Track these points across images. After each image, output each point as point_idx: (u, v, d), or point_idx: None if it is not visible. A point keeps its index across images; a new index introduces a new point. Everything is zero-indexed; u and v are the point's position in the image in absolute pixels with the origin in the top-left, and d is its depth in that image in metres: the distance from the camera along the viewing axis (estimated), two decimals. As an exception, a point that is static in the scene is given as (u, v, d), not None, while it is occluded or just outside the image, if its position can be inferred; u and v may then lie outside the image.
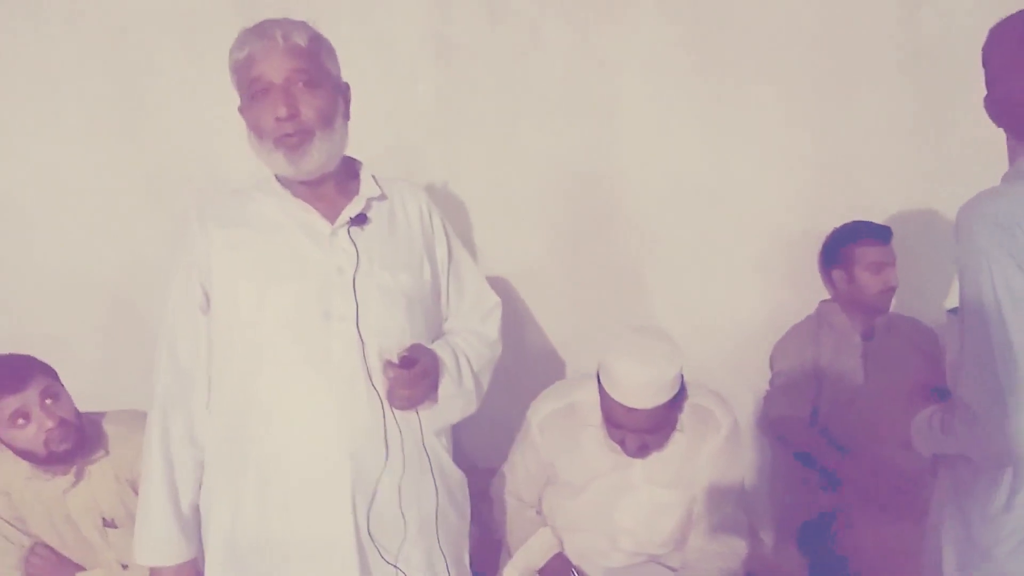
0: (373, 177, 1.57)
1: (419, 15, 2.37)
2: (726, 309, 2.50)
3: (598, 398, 1.79)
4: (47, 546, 1.94)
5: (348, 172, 1.56)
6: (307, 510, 1.44)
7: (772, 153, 2.44)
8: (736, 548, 1.86)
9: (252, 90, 1.41)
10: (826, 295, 2.45)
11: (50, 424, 1.77)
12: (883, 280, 2.30)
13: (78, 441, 1.82)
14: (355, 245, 1.47)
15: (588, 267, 2.47)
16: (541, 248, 2.49)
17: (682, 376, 1.77)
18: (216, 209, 1.52)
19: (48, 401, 1.78)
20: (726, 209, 2.46)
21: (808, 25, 2.39)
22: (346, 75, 1.54)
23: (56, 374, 1.85)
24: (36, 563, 1.92)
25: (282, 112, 1.39)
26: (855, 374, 2.33)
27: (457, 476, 1.64)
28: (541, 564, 1.99)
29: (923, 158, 2.44)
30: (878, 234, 2.31)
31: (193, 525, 1.52)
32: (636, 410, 1.70)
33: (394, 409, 1.46)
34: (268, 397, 1.44)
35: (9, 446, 1.80)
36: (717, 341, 2.49)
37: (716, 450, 1.85)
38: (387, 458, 1.45)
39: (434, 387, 1.51)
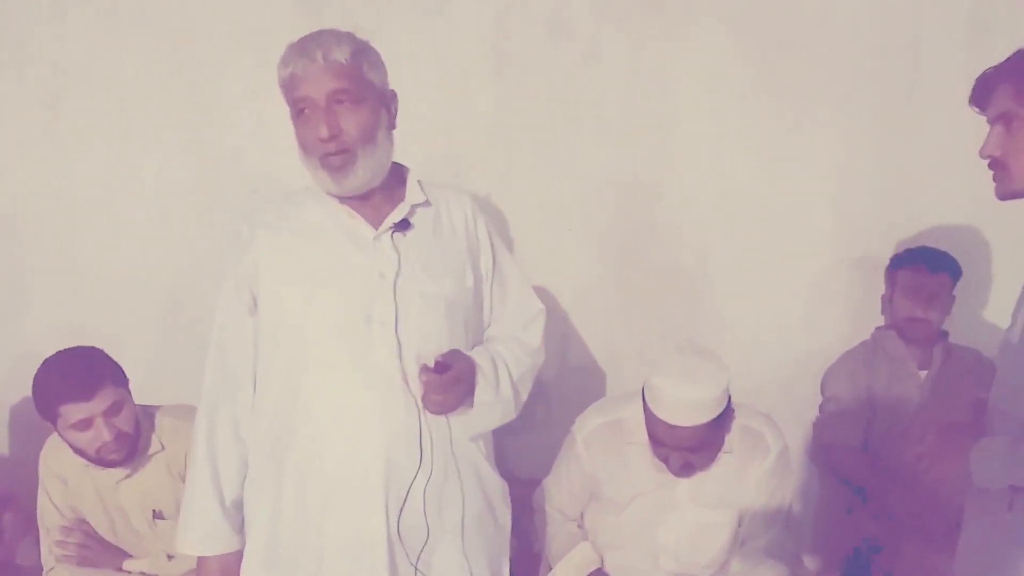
0: (419, 183, 1.59)
1: (478, 27, 2.40)
2: (777, 331, 2.47)
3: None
4: (92, 532, 1.97)
5: (396, 178, 1.57)
6: (342, 509, 1.46)
7: (829, 174, 2.41)
8: (780, 573, 1.83)
9: (296, 108, 1.44)
10: (881, 321, 2.40)
11: (107, 438, 1.79)
12: (910, 307, 2.26)
13: (131, 451, 1.85)
14: (397, 251, 1.49)
15: (637, 282, 2.46)
16: (591, 261, 2.49)
17: (729, 396, 1.75)
18: (266, 214, 1.56)
19: (111, 416, 1.79)
20: (780, 229, 2.44)
21: (869, 45, 2.36)
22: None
23: (123, 377, 1.87)
24: (86, 546, 1.95)
25: (324, 133, 1.41)
26: (910, 403, 2.28)
27: (497, 483, 1.64)
28: (581, 579, 1.98)
29: (986, 183, 2.38)
30: (920, 260, 2.27)
31: (237, 518, 1.56)
32: (679, 428, 1.69)
33: (428, 414, 1.48)
34: (310, 398, 1.47)
35: (65, 440, 1.83)
36: (767, 363, 2.46)
37: (764, 473, 1.83)
38: (421, 462, 1.47)
39: (469, 393, 1.51)
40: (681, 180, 2.43)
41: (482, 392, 1.52)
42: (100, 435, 1.79)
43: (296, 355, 1.47)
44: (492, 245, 1.65)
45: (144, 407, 1.94)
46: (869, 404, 2.31)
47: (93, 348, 1.87)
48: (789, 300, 2.46)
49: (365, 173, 1.45)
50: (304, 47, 1.42)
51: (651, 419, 1.75)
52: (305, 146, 1.46)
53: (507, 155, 2.44)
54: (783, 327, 2.47)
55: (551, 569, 1.99)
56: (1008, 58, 1.40)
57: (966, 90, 1.45)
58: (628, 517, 1.87)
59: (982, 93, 1.43)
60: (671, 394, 1.68)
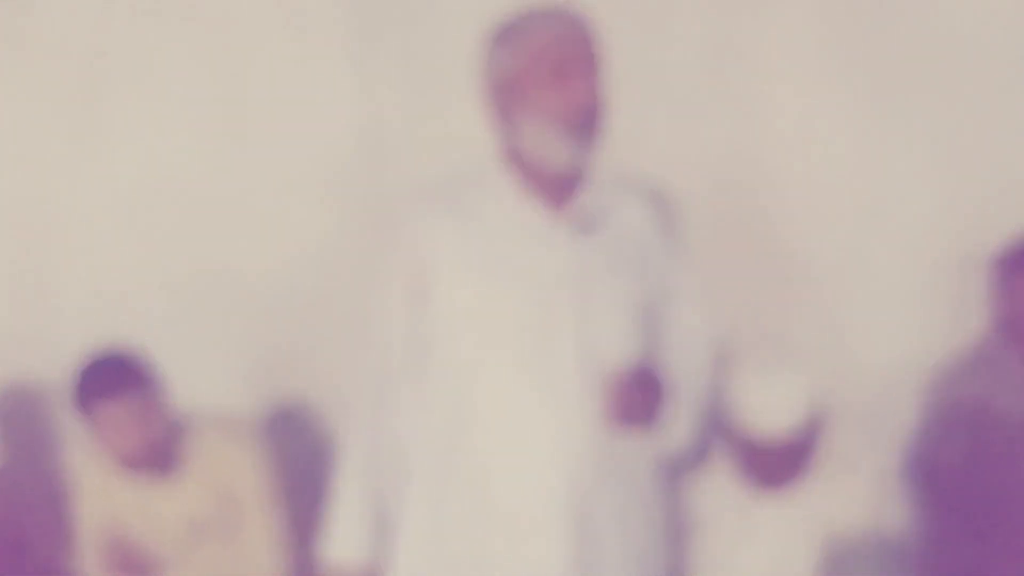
0: (606, 180, 1.52)
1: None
2: (876, 336, 2.35)
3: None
4: (128, 543, 1.96)
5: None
6: (516, 528, 1.41)
7: (935, 166, 2.29)
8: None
9: (553, 69, 1.40)
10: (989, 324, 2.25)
11: (138, 440, 1.80)
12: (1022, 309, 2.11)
13: (162, 458, 1.86)
14: (583, 251, 1.44)
15: (721, 281, 2.33)
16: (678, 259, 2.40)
17: (818, 405, 1.72)
18: (439, 200, 1.50)
19: (145, 417, 1.81)
20: (880, 225, 2.33)
21: (986, 24, 2.24)
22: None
23: (158, 382, 1.87)
24: (125, 554, 1.95)
25: (591, 98, 1.39)
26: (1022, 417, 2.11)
27: (664, 517, 1.57)
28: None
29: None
30: None
31: (384, 525, 1.51)
32: (768, 431, 1.66)
33: (622, 428, 1.41)
34: (483, 404, 1.42)
35: (97, 441, 1.85)
36: (865, 371, 2.34)
37: (859, 495, 1.77)
38: (603, 481, 1.41)
39: (657, 411, 1.44)
40: (767, 170, 2.33)
41: (668, 412, 1.46)
42: (127, 439, 1.79)
43: (470, 356, 1.42)
44: (672, 254, 1.59)
45: (182, 415, 1.94)
46: (976, 417, 2.15)
47: (129, 349, 1.87)
48: (888, 300, 2.35)
49: (595, 152, 1.43)
50: (562, 12, 1.44)
51: (733, 426, 1.72)
52: (553, 111, 1.39)
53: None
54: (881, 330, 2.36)
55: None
56: None
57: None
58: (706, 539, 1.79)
59: None
60: (757, 395, 1.68)
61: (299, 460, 2.09)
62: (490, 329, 1.41)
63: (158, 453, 1.84)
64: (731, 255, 2.35)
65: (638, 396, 1.38)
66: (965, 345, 2.26)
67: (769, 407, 1.65)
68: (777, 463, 1.69)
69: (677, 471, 1.75)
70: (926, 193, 2.31)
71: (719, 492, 1.78)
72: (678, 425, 1.49)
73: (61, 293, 2.44)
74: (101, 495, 1.94)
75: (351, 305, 1.60)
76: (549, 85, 1.39)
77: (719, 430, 1.75)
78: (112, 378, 1.79)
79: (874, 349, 2.35)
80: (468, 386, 1.43)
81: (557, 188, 1.45)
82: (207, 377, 2.28)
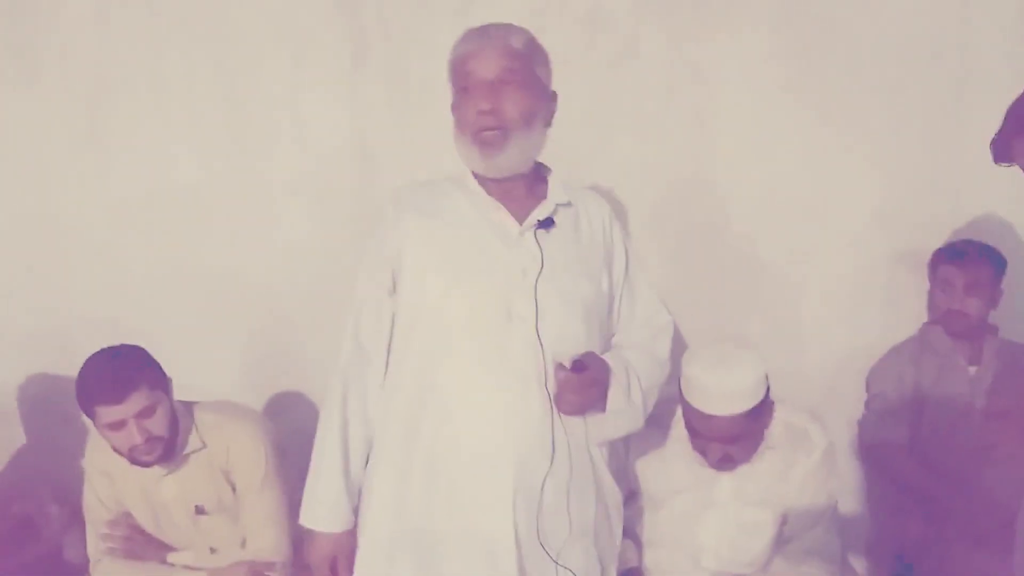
0: (562, 184, 1.60)
1: (514, 23, 2.38)
2: (821, 326, 2.43)
3: (684, 410, 1.77)
4: (136, 526, 2.00)
5: (538, 176, 1.59)
6: (470, 504, 1.46)
7: (874, 167, 2.36)
8: (825, 574, 1.80)
9: (460, 86, 1.48)
10: (927, 318, 2.35)
11: (138, 440, 1.79)
12: (949, 299, 2.22)
13: (165, 453, 1.85)
14: (541, 248, 1.50)
15: (678, 278, 2.43)
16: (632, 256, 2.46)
17: (767, 387, 1.74)
18: (413, 199, 1.57)
19: (143, 419, 1.79)
20: (824, 223, 2.40)
21: (915, 35, 2.31)
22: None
23: (161, 378, 1.87)
24: (130, 539, 1.99)
25: (484, 105, 1.44)
26: (960, 400, 2.22)
27: (615, 493, 1.63)
28: (617, 577, 1.96)
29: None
30: (959, 251, 2.23)
31: (356, 498, 1.57)
32: (715, 417, 1.69)
33: (562, 414, 1.48)
34: (445, 387, 1.47)
35: (104, 438, 1.85)
36: (810, 359, 2.42)
37: (809, 471, 1.81)
38: (552, 461, 1.46)
39: (603, 397, 1.50)
40: (722, 177, 2.40)
41: (615, 398, 1.51)
42: (131, 437, 1.79)
43: (433, 343, 1.49)
44: (626, 252, 1.66)
45: (184, 403, 1.96)
46: (916, 402, 2.26)
47: (133, 348, 1.87)
48: (834, 295, 2.42)
49: (514, 155, 1.47)
50: (483, 29, 1.49)
51: (687, 410, 1.75)
52: (462, 122, 1.48)
53: (547, 154, 2.39)
54: (828, 322, 2.43)
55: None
56: (1008, 112, 1.38)
57: (1015, 83, 1.43)
58: (667, 514, 1.86)
59: (1003, 154, 1.39)
60: (706, 382, 1.68)
61: (293, 451, 2.15)
62: (451, 320, 1.47)
63: (159, 449, 1.82)
64: (690, 256, 2.43)
65: (580, 385, 1.44)
66: (905, 335, 2.34)
67: (716, 393, 1.68)
68: (725, 445, 1.72)
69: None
70: (867, 196, 2.37)
71: (677, 469, 1.82)
72: (628, 411, 1.55)
73: (73, 292, 2.50)
74: (106, 481, 1.96)
75: (340, 302, 1.68)
76: (459, 99, 1.49)
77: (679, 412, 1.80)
78: (109, 385, 1.76)
79: (822, 339, 2.42)
80: (430, 371, 1.49)
81: (512, 191, 1.52)
82: (213, 371, 2.33)
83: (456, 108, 1.50)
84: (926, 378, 2.26)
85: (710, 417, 1.70)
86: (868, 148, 2.36)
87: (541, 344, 1.45)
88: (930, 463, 2.21)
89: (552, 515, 1.48)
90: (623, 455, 1.78)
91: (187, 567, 1.98)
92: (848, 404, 2.39)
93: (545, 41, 2.35)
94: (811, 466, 1.80)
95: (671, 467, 1.84)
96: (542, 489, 1.46)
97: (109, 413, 1.77)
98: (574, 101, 2.36)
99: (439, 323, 1.48)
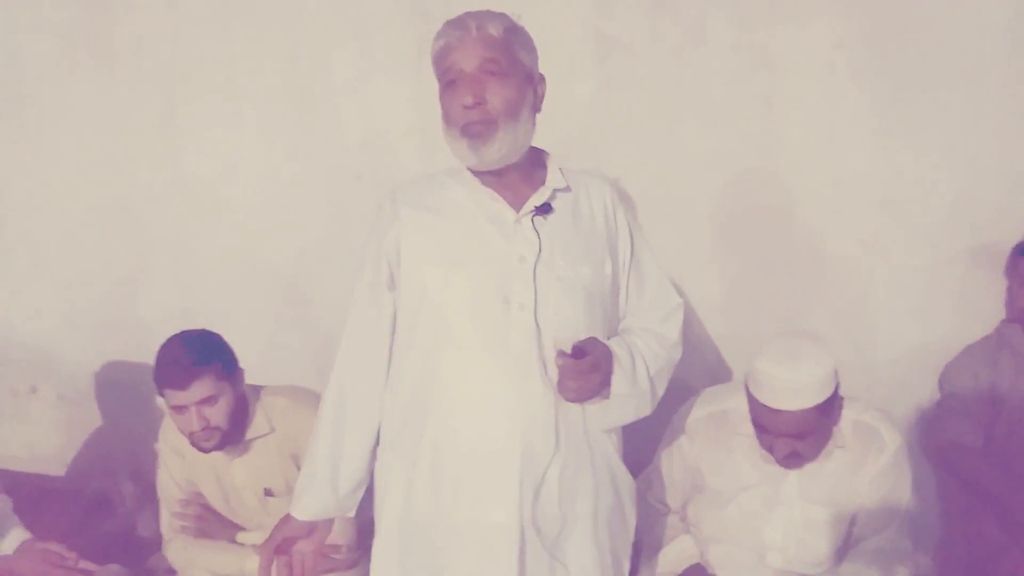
0: (560, 169, 1.58)
1: (579, 11, 2.37)
2: (892, 323, 2.38)
3: (749, 406, 1.75)
4: (208, 505, 2.06)
5: (535, 162, 1.57)
6: (475, 493, 1.47)
7: (950, 158, 2.30)
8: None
9: (445, 79, 1.47)
10: (1004, 315, 2.29)
11: (196, 427, 1.84)
12: None
13: (222, 442, 1.89)
14: (538, 234, 1.49)
15: (744, 271, 2.41)
16: (695, 250, 2.45)
17: (836, 384, 1.70)
18: (409, 193, 1.58)
19: (204, 408, 1.84)
20: (897, 216, 2.34)
21: (994, 21, 2.24)
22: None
23: (230, 368, 1.91)
24: (202, 518, 2.04)
25: (468, 100, 1.42)
26: (1036, 401, 2.14)
27: (627, 480, 1.62)
28: (678, 572, 1.95)
29: None
30: None
31: (346, 491, 1.59)
32: (783, 412, 1.66)
33: (564, 401, 1.47)
34: (447, 378, 1.48)
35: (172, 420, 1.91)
36: (880, 355, 2.37)
37: (880, 471, 1.77)
38: (556, 449, 1.46)
39: (606, 383, 1.49)
40: (792, 166, 2.36)
41: (619, 383, 1.50)
42: (191, 423, 1.84)
43: (434, 335, 1.49)
44: (631, 234, 1.63)
45: (253, 387, 2.00)
46: (992, 403, 2.19)
47: (208, 335, 1.92)
48: (905, 290, 2.37)
49: (503, 147, 1.45)
50: (460, 20, 1.46)
51: (754, 405, 1.72)
52: (448, 116, 1.47)
53: (609, 142, 2.41)
54: (899, 319, 2.38)
55: (650, 560, 1.97)
56: None
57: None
58: (732, 511, 1.83)
59: None
60: (773, 376, 1.66)
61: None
62: (451, 311, 1.47)
63: (215, 438, 1.86)
64: (756, 248, 2.40)
65: (580, 371, 1.43)
66: (980, 332, 2.27)
67: (784, 388, 1.65)
68: (792, 441, 1.68)
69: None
70: (942, 188, 2.31)
71: (743, 466, 1.81)
72: (634, 396, 1.53)
73: (147, 280, 2.58)
74: (179, 462, 2.01)
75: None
76: (443, 92, 1.48)
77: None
78: (176, 370, 1.81)
79: (892, 335, 2.37)
80: (433, 363, 1.49)
81: (507, 179, 1.51)
82: (284, 358, 2.38)
83: (442, 102, 1.49)
84: (1003, 378, 2.19)
85: (777, 412, 1.67)
86: (943, 138, 2.30)
87: (539, 330, 1.45)
88: (1005, 467, 2.14)
89: (555, 504, 1.48)
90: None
91: (255, 546, 2.00)
92: (919, 404, 2.35)
93: (609, 29, 2.37)
94: (882, 466, 1.77)
95: (737, 463, 1.82)
96: (543, 477, 1.46)
97: (173, 397, 1.83)
98: (639, 90, 2.37)
99: (440, 315, 1.48)
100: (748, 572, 1.85)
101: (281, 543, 1.61)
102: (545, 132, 2.35)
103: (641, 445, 2.04)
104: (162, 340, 1.90)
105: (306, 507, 1.59)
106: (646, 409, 1.58)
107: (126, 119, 2.54)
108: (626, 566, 1.64)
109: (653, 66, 2.35)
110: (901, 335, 2.39)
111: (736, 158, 2.37)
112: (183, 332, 1.92)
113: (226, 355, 1.91)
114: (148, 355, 1.90)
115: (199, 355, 1.85)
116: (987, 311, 2.31)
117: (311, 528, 1.61)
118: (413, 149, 2.43)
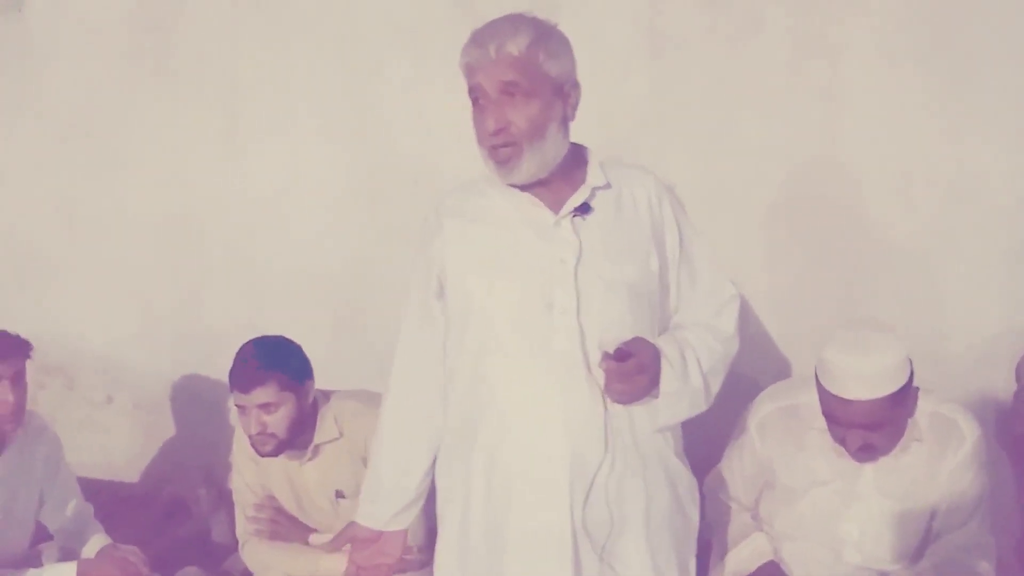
0: (601, 165, 1.56)
1: (631, 8, 2.37)
2: (965, 313, 2.32)
3: (822, 399, 1.72)
4: (281, 509, 2.10)
5: (576, 161, 1.55)
6: (527, 498, 1.47)
7: (1018, 150, 2.23)
8: (980, 571, 1.71)
9: (471, 96, 1.47)
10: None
11: (253, 431, 1.91)
12: None
13: (277, 450, 1.94)
14: (578, 236, 1.48)
15: (808, 262, 2.37)
16: (757, 242, 2.42)
17: (910, 373, 1.66)
18: (451, 203, 1.59)
19: (264, 413, 1.89)
20: (966, 204, 2.28)
21: None
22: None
23: (300, 378, 1.94)
24: (276, 521, 2.08)
25: (491, 126, 1.42)
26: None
27: (686, 478, 1.60)
28: (751, 570, 1.92)
29: None
30: None
31: (410, 500, 1.61)
32: (853, 402, 1.63)
33: (613, 403, 1.46)
34: (495, 385, 1.48)
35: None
36: (953, 347, 2.31)
37: (959, 464, 1.72)
38: (605, 451, 1.45)
39: (655, 383, 1.47)
40: (854, 155, 2.32)
41: (668, 382, 1.47)
42: (249, 426, 1.91)
43: (482, 342, 1.50)
44: (679, 226, 1.59)
45: (323, 392, 2.03)
46: None
47: (282, 344, 1.97)
48: (978, 280, 2.30)
49: (531, 167, 1.45)
50: (480, 37, 1.44)
51: (825, 397, 1.69)
52: (477, 135, 1.48)
53: (666, 138, 2.39)
54: (971, 309, 2.31)
55: (722, 559, 1.95)
56: None
57: None
58: (806, 507, 1.80)
59: None
60: (843, 365, 1.63)
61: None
62: (496, 318, 1.47)
63: (271, 444, 1.91)
64: (821, 240, 2.36)
65: (624, 373, 1.41)
66: None
67: (854, 377, 1.62)
68: (865, 432, 1.65)
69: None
70: (1011, 173, 2.25)
71: (816, 461, 1.77)
72: (686, 394, 1.50)
73: (214, 293, 2.64)
74: (253, 467, 2.06)
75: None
76: (473, 109, 1.47)
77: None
78: (242, 373, 1.87)
79: (966, 325, 2.31)
80: (481, 370, 1.48)
81: (546, 181, 1.49)
82: (346, 366, 2.35)
83: (472, 117, 1.49)
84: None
85: (848, 402, 1.63)
86: (1011, 122, 2.23)
87: (583, 333, 1.44)
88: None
89: (603, 507, 1.46)
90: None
91: (326, 546, 2.00)
92: (995, 395, 2.28)
93: (662, 23, 2.35)
94: (961, 459, 1.72)
95: (810, 459, 1.79)
96: (593, 480, 1.45)
97: (237, 397, 1.91)
98: (694, 84, 2.35)
99: (485, 323, 1.48)
100: (824, 569, 1.81)
101: (354, 547, 1.64)
102: (600, 131, 2.36)
103: (711, 442, 2.03)
104: (230, 350, 1.95)
105: (371, 515, 1.63)
106: (701, 406, 1.54)
107: (189, 135, 2.61)
108: (692, 565, 1.62)
109: (708, 59, 2.33)
110: (974, 326, 2.32)
111: (797, 149, 2.34)
112: (261, 337, 1.98)
113: (294, 365, 1.96)
114: (218, 364, 1.96)
115: (265, 362, 1.90)
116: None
117: (378, 534, 1.63)
118: (469, 153, 2.42)
